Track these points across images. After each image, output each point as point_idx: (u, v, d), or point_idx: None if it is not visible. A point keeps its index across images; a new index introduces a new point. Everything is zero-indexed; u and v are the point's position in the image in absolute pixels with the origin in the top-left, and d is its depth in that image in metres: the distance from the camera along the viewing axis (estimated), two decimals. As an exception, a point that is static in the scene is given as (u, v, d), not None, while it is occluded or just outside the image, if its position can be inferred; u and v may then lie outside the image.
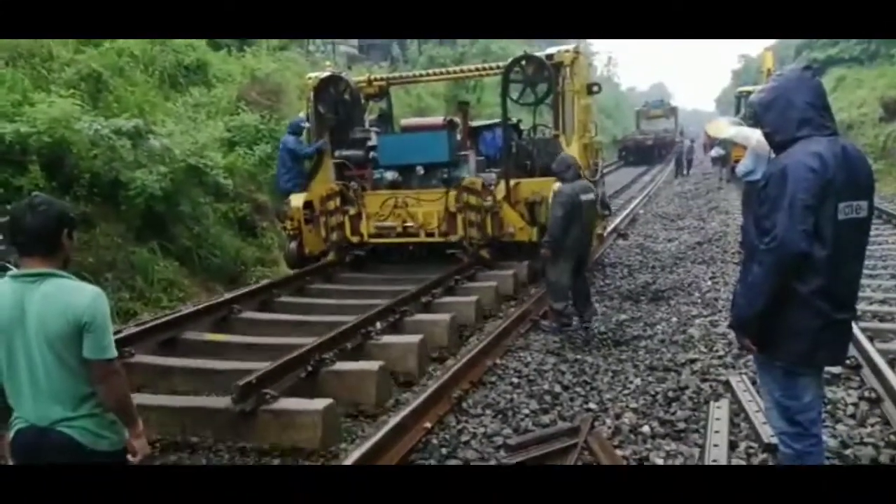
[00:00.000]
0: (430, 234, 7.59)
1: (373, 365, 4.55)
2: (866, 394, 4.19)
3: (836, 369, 4.52)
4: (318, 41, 29.62)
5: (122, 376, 2.21)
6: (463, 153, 8.01)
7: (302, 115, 8.96)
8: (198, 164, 9.09)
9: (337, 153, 8.36)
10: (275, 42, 17.26)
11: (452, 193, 7.42)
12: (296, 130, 8.72)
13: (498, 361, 5.10)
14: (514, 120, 8.31)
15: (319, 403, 3.88)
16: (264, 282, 7.74)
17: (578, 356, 5.25)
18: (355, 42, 36.80)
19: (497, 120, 8.31)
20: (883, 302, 6.29)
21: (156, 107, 10.33)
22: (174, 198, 8.49)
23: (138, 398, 3.52)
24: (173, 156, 8.61)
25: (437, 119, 8.47)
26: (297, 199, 8.04)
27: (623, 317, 6.29)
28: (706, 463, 3.41)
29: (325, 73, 8.93)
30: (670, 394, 4.40)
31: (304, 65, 16.40)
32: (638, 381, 4.69)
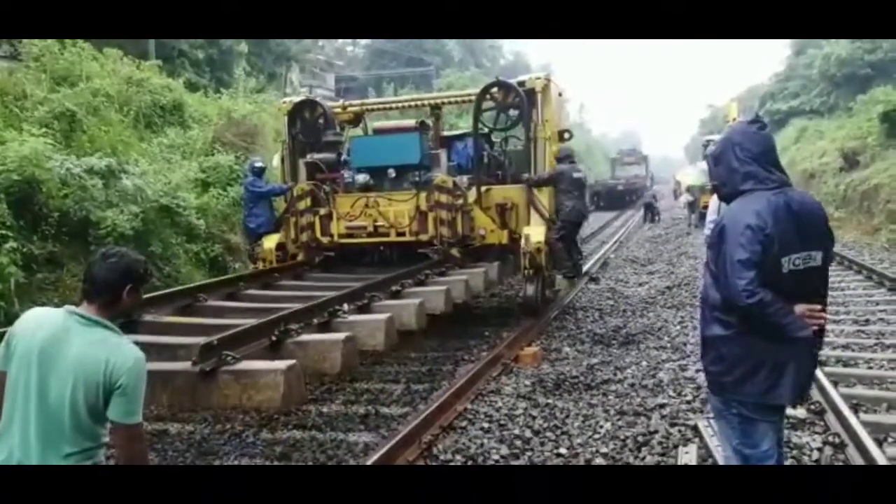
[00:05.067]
0: (401, 234, 7.60)
1: (339, 335, 4.49)
2: (831, 438, 4.25)
3: (801, 413, 4.61)
4: (296, 84, 30.00)
5: (143, 442, 2.19)
6: (434, 152, 8.17)
7: (258, 157, 9.28)
8: (170, 204, 9.07)
9: (309, 156, 8.41)
10: (252, 84, 17.47)
11: (423, 194, 7.49)
12: (254, 171, 8.81)
13: (469, 406, 5.08)
14: (486, 130, 8.43)
15: (282, 363, 3.79)
16: (231, 275, 7.72)
17: (549, 400, 5.26)
18: (332, 85, 37.33)
19: (468, 130, 8.52)
20: (846, 347, 6.43)
21: (130, 146, 10.30)
22: (145, 238, 8.43)
23: None
24: (145, 196, 8.58)
25: (410, 122, 8.58)
26: (269, 241, 8.02)
27: (594, 360, 6.33)
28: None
29: (300, 98, 9.04)
30: (640, 438, 4.42)
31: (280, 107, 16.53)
32: (608, 425, 4.70)
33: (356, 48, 50.53)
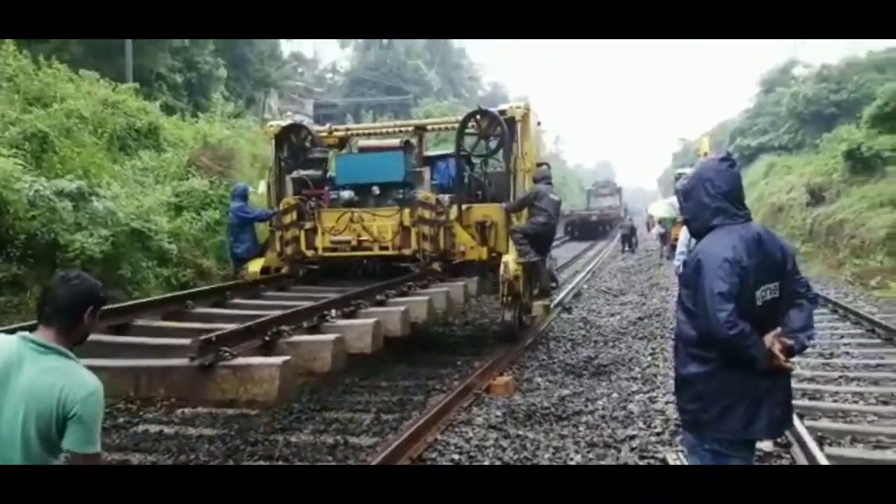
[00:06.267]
0: (385, 248, 7.71)
1: (329, 336, 4.65)
2: (796, 472, 4.29)
3: (768, 446, 4.65)
4: (275, 110, 30.07)
5: None
6: (418, 170, 8.35)
7: (244, 183, 9.27)
8: (142, 227, 8.97)
9: (295, 172, 8.45)
10: (229, 108, 17.47)
11: (407, 210, 7.64)
12: (241, 195, 8.78)
13: (439, 437, 5.04)
14: (465, 152, 8.56)
15: (278, 359, 3.95)
16: (218, 284, 7.82)
17: (520, 431, 5.24)
18: (311, 111, 37.49)
19: (450, 151, 8.73)
20: (812, 380, 6.53)
21: (102, 169, 10.19)
22: (115, 261, 8.30)
23: (90, 362, 3.64)
24: (116, 219, 8.47)
25: (394, 141, 8.72)
26: (254, 265, 8.06)
27: (565, 391, 6.33)
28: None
29: (287, 122, 9.10)
30: (609, 471, 4.41)
31: (258, 132, 16.53)
32: (578, 457, 4.70)
33: (336, 76, 50.94)
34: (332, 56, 51.80)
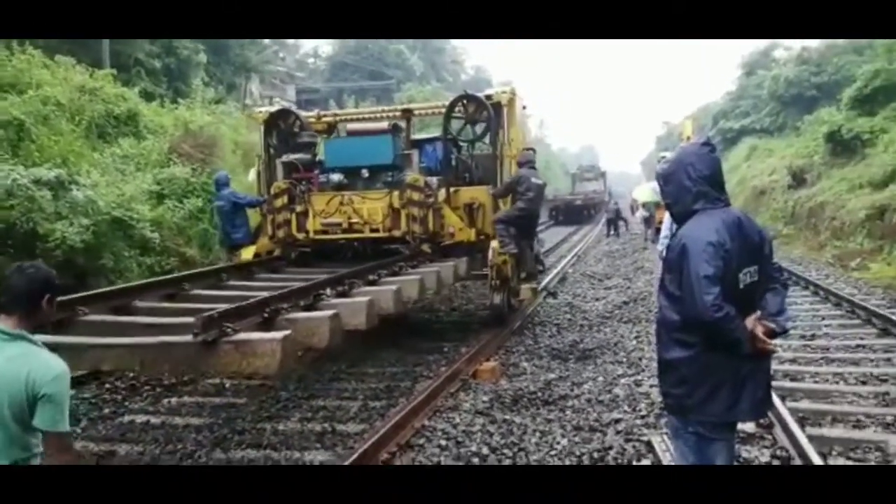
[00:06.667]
0: (375, 230, 7.80)
1: (326, 312, 4.78)
2: (778, 452, 4.36)
3: (750, 428, 4.72)
4: (256, 95, 29.71)
5: (71, 452, 2.26)
6: (406, 153, 8.38)
7: (224, 171, 9.28)
8: (123, 216, 8.87)
9: (285, 156, 8.47)
10: (210, 94, 17.23)
11: (396, 192, 7.71)
12: (227, 182, 8.73)
13: (426, 423, 5.06)
14: (452, 135, 8.60)
15: (278, 334, 4.06)
16: (211, 267, 7.91)
17: (507, 416, 5.27)
18: (293, 96, 37.09)
19: (437, 134, 8.80)
20: (793, 361, 6.62)
21: (81, 157, 10.05)
22: (96, 251, 8.21)
23: (97, 340, 3.96)
24: (97, 207, 8.37)
25: (383, 124, 8.73)
26: (247, 253, 8.10)
27: (551, 376, 6.38)
28: None
29: (276, 108, 9.07)
30: (595, 455, 4.46)
31: (239, 119, 16.36)
32: (565, 441, 4.74)
33: (317, 60, 50.40)
34: (313, 41, 51.25)
